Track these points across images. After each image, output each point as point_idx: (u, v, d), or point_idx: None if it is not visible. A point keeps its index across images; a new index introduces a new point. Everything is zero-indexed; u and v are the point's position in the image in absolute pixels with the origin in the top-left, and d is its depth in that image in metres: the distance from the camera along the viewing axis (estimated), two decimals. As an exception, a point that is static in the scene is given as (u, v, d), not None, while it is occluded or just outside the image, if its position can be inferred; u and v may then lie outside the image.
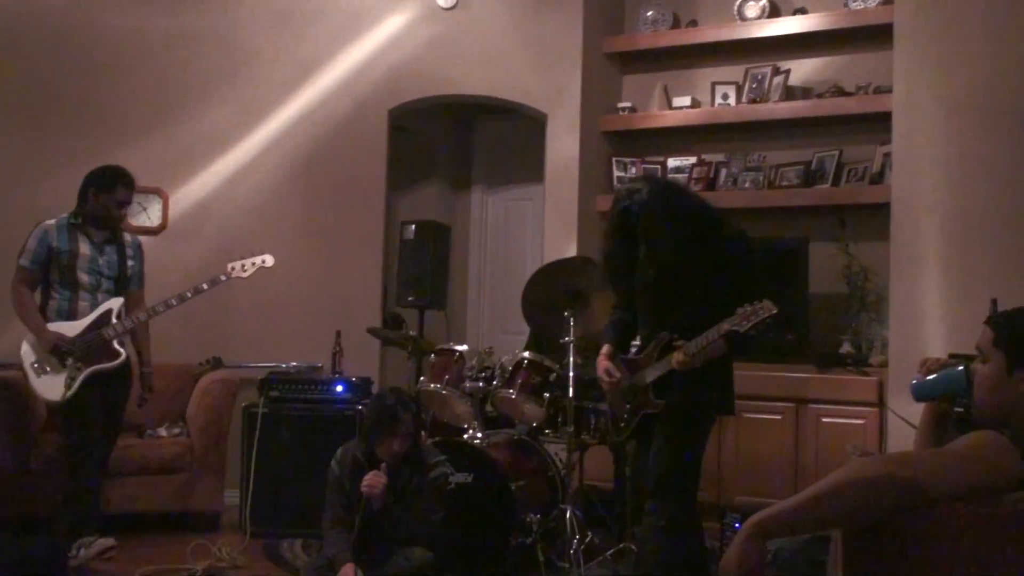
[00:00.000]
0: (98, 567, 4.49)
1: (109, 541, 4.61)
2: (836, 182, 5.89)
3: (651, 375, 3.75)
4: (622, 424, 3.92)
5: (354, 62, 6.45)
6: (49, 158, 5.90)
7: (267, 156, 6.34)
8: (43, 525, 4.78)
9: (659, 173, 6.37)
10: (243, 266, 4.97)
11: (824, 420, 5.37)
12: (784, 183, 6.04)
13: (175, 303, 4.79)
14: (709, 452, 5.26)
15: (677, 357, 3.62)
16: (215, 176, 6.28)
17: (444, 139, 7.87)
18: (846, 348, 5.63)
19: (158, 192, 6.13)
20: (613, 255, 3.87)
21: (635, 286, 3.82)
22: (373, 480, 3.92)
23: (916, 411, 2.56)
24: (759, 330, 3.47)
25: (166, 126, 6.17)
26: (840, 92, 5.94)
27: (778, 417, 5.47)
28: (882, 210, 5.44)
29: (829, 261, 5.80)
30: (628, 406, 3.87)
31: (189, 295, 4.81)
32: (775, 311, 3.44)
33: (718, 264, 3.64)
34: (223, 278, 4.91)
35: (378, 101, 6.47)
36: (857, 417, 5.29)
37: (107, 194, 4.75)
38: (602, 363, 3.97)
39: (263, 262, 5.02)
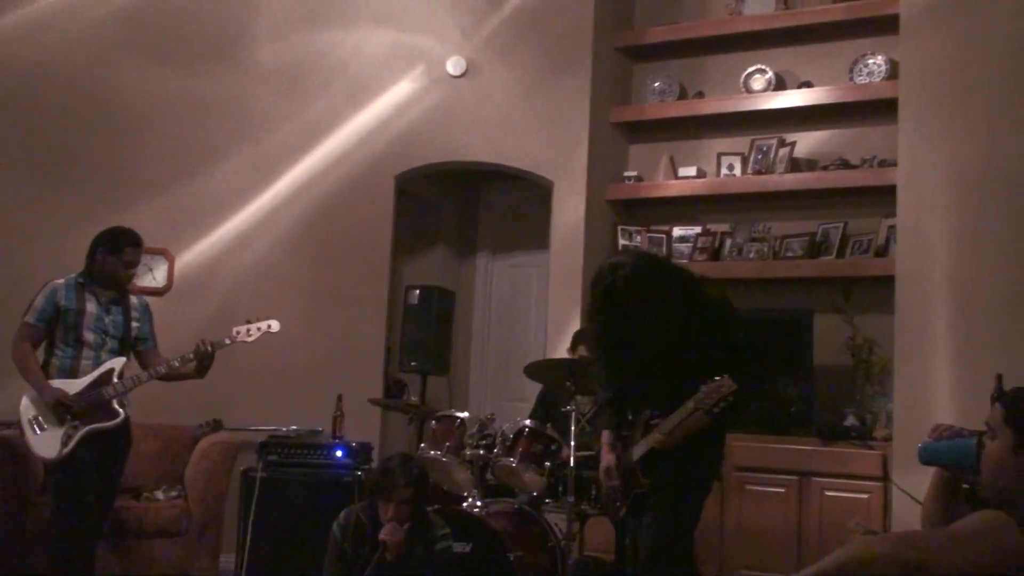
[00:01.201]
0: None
1: None
2: (841, 254, 5.89)
3: (637, 453, 3.75)
4: (617, 504, 3.90)
5: (362, 127, 6.52)
6: (58, 216, 5.94)
7: (274, 219, 6.37)
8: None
9: (664, 242, 6.38)
10: (248, 331, 4.95)
11: (828, 493, 5.30)
12: (789, 254, 6.04)
13: (177, 364, 4.77)
14: (710, 524, 5.24)
15: (656, 438, 3.62)
16: (221, 238, 6.31)
17: (450, 205, 7.91)
18: (850, 420, 5.58)
19: (164, 253, 6.15)
20: (600, 333, 3.80)
21: (622, 362, 3.77)
22: (392, 529, 3.90)
23: (921, 486, 2.53)
24: (723, 407, 3.46)
25: (175, 187, 6.22)
26: (845, 165, 5.97)
27: (781, 490, 5.41)
28: (887, 282, 5.43)
29: (834, 333, 5.78)
30: (620, 489, 3.85)
31: (192, 357, 4.79)
32: (735, 387, 3.45)
33: (698, 337, 3.62)
34: (228, 342, 4.89)
35: (385, 166, 6.52)
36: (861, 491, 5.23)
37: (115, 256, 4.77)
38: (606, 456, 3.94)
39: (268, 327, 5.01)
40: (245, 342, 4.95)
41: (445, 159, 6.63)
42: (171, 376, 4.82)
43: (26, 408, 4.59)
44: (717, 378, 3.46)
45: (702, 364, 3.55)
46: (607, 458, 3.92)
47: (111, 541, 5.02)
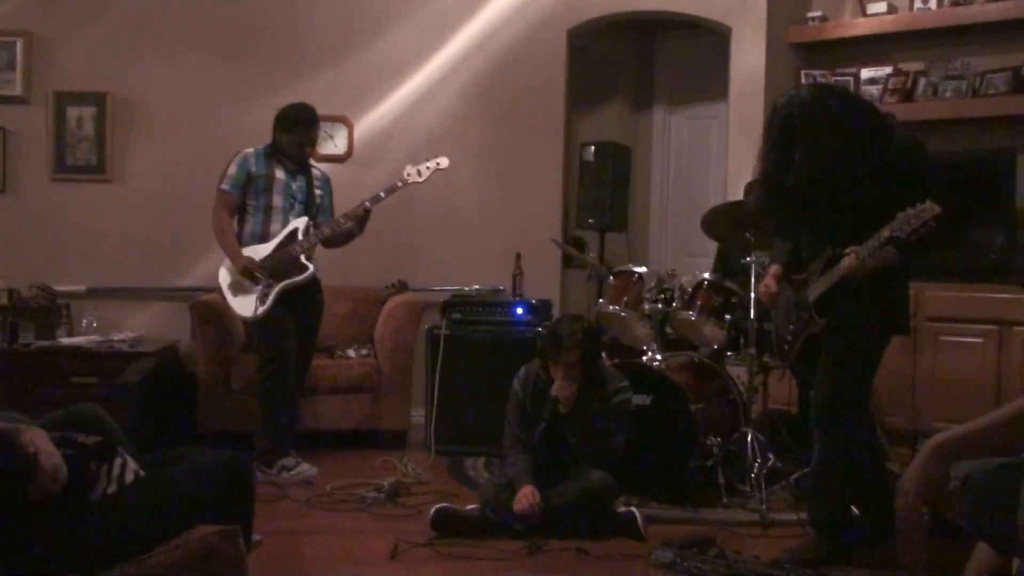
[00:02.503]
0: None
1: (313, 471, 4.76)
2: (1049, 88, 5.43)
3: (814, 292, 3.61)
4: (786, 347, 3.79)
5: (533, -19, 6.38)
6: (241, 89, 6.13)
7: (447, 81, 6.36)
8: (242, 443, 5.04)
9: (851, 85, 6.04)
10: (419, 171, 5.00)
11: (1031, 344, 5.03)
12: (990, 91, 5.61)
13: (361, 212, 4.88)
14: (902, 375, 5.08)
15: (846, 261, 3.44)
16: (399, 102, 6.35)
17: (624, 58, 7.70)
18: (1057, 267, 5.24)
19: (343, 120, 6.26)
20: (771, 171, 3.54)
21: (793, 203, 3.53)
22: (563, 385, 3.99)
23: None
24: (923, 234, 3.26)
25: (350, 54, 6.28)
26: (1056, -11, 5.45)
27: (979, 340, 5.15)
28: (1101, 116, 4.99)
29: (1039, 174, 5.39)
30: (791, 327, 3.74)
31: (368, 204, 4.88)
32: (938, 211, 3.23)
33: (883, 172, 3.40)
34: (399, 184, 4.96)
35: (557, 21, 6.38)
36: (1067, 341, 4.94)
37: (289, 135, 4.92)
38: (766, 279, 3.87)
39: (438, 164, 5.04)
40: (417, 183, 5.01)
41: (617, 9, 6.42)
42: (343, 236, 4.96)
43: (224, 276, 4.88)
44: (919, 204, 3.27)
45: (890, 201, 3.35)
46: (767, 279, 3.83)
47: (309, 397, 5.30)
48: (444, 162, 5.04)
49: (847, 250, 3.46)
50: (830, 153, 3.36)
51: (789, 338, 3.76)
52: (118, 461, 2.47)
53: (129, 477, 2.48)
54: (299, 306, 4.94)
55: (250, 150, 4.97)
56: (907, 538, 1.83)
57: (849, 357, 3.59)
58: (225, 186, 4.92)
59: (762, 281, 3.93)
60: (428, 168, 5.01)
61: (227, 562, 2.45)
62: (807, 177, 3.40)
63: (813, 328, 3.62)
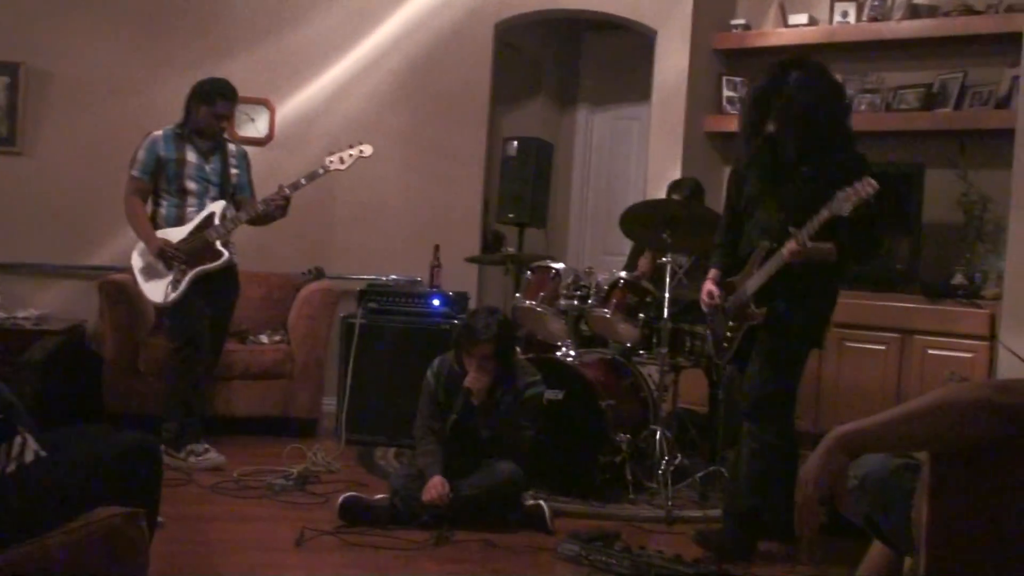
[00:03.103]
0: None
1: (221, 459, 4.68)
2: (959, 106, 5.60)
3: (753, 285, 3.68)
4: (725, 344, 3.85)
5: (461, -27, 6.37)
6: (159, 67, 6.00)
7: (372, 69, 6.32)
8: (148, 426, 4.96)
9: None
10: (340, 158, 4.93)
11: (930, 352, 5.19)
12: (903, 106, 5.78)
13: (280, 200, 4.81)
14: (807, 379, 5.19)
15: (789, 245, 3.51)
16: (321, 88, 6.29)
17: (550, 55, 7.74)
18: (958, 279, 5.40)
19: (266, 103, 6.19)
20: (747, 126, 3.77)
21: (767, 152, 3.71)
22: (476, 377, 4.03)
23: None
24: (863, 213, 3.36)
25: (274, 37, 6.20)
26: (968, 11, 5.61)
27: (882, 347, 5.31)
28: (1006, 136, 5.15)
29: (946, 188, 5.55)
30: (731, 323, 3.81)
31: (288, 191, 4.81)
32: (877, 187, 3.32)
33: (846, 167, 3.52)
34: (321, 171, 4.89)
35: (485, 14, 6.38)
36: (966, 351, 5.10)
37: (208, 107, 4.81)
38: (707, 285, 3.93)
39: (360, 152, 4.97)
40: (339, 170, 4.95)
41: (545, 6, 6.45)
42: (263, 218, 4.88)
43: (136, 259, 4.79)
44: (856, 182, 3.36)
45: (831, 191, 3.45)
46: (708, 286, 3.91)
47: (220, 382, 5.24)
48: (368, 150, 4.99)
49: (789, 230, 3.54)
50: (808, 128, 3.57)
51: (728, 335, 3.81)
52: (17, 440, 2.42)
53: (29, 457, 2.42)
54: (213, 291, 4.86)
55: (158, 132, 4.83)
56: (802, 528, 1.88)
57: (784, 356, 3.69)
58: (135, 172, 4.81)
59: (703, 288, 3.97)
60: (351, 156, 4.95)
61: (129, 544, 2.41)
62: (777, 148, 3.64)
63: (753, 320, 3.68)
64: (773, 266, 3.60)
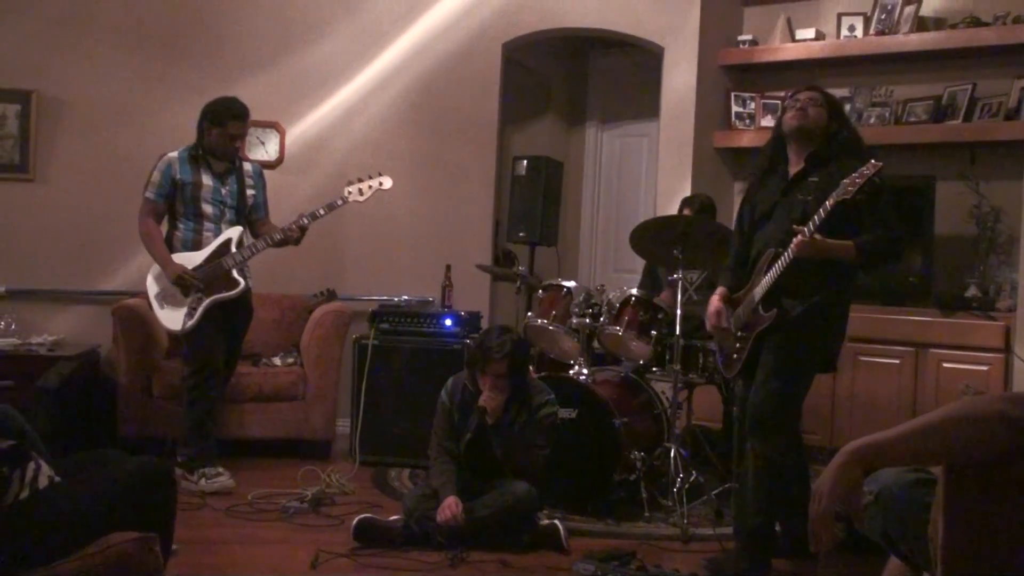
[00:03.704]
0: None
1: (231, 483, 4.66)
2: (968, 118, 5.59)
3: (760, 289, 3.66)
4: (734, 356, 3.83)
5: (469, -6, 6.41)
6: (171, 91, 6.03)
7: (381, 90, 6.35)
8: (161, 450, 4.97)
9: (779, 109, 6.15)
10: (360, 190, 4.93)
11: (945, 365, 5.17)
12: (912, 119, 5.77)
13: (279, 237, 4.81)
14: (821, 394, 5.17)
15: (796, 239, 3.51)
16: (331, 110, 6.33)
17: (558, 74, 7.77)
18: (972, 292, 5.39)
19: (275, 126, 6.22)
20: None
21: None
22: (490, 396, 4.02)
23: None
24: (868, 191, 3.37)
25: (283, 60, 6.24)
26: (976, 22, 5.62)
27: (896, 361, 5.29)
28: (1017, 147, 5.16)
29: (957, 201, 5.54)
30: (740, 333, 3.78)
31: (306, 221, 4.83)
32: (880, 165, 3.33)
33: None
34: (340, 202, 4.89)
35: (493, 34, 6.41)
36: (981, 363, 5.08)
37: (219, 128, 4.80)
38: (714, 303, 3.91)
39: (380, 184, 4.96)
40: (357, 202, 4.96)
41: (553, 25, 6.47)
42: (277, 244, 4.88)
43: (151, 284, 4.77)
44: (861, 168, 3.39)
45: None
46: (715, 304, 3.91)
47: (233, 405, 5.24)
48: (387, 182, 4.97)
49: (793, 227, 3.54)
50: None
51: (738, 345, 3.80)
52: (31, 465, 2.42)
53: (43, 482, 2.43)
54: (227, 315, 4.86)
55: (173, 154, 4.83)
56: (817, 544, 1.87)
57: (789, 369, 3.66)
58: (150, 194, 4.81)
59: (710, 305, 3.96)
60: (370, 187, 4.94)
61: (143, 570, 2.41)
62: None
63: (762, 325, 3.66)
64: (780, 266, 3.60)
